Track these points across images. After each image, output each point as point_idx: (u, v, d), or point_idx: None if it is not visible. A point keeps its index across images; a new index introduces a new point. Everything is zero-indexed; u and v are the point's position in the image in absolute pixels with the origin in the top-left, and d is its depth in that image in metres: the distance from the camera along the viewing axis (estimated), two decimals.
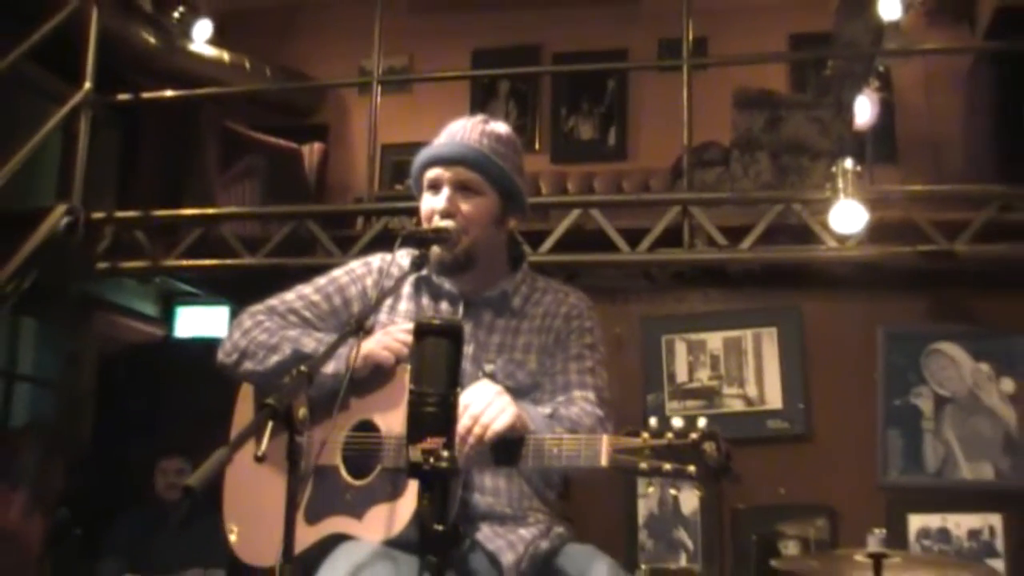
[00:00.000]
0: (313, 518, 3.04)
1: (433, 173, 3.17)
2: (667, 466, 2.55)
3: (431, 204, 3.16)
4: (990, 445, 5.67)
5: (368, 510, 2.97)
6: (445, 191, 3.14)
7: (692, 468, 2.54)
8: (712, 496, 5.72)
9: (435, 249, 3.11)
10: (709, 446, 2.53)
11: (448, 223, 3.09)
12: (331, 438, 3.05)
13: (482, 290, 3.22)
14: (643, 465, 2.58)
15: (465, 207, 3.13)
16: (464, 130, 3.20)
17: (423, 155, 3.22)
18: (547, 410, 2.98)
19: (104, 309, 7.98)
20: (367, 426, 3.05)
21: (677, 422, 2.57)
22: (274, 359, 3.14)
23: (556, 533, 3.13)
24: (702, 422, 2.56)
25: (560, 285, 3.35)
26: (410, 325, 2.93)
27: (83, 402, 7.54)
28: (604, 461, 2.64)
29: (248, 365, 3.20)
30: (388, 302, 3.24)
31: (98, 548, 6.31)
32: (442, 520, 2.40)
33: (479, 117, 3.26)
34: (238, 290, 3.56)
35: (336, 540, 2.96)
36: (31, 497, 6.28)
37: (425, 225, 3.15)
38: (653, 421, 2.59)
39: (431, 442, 2.44)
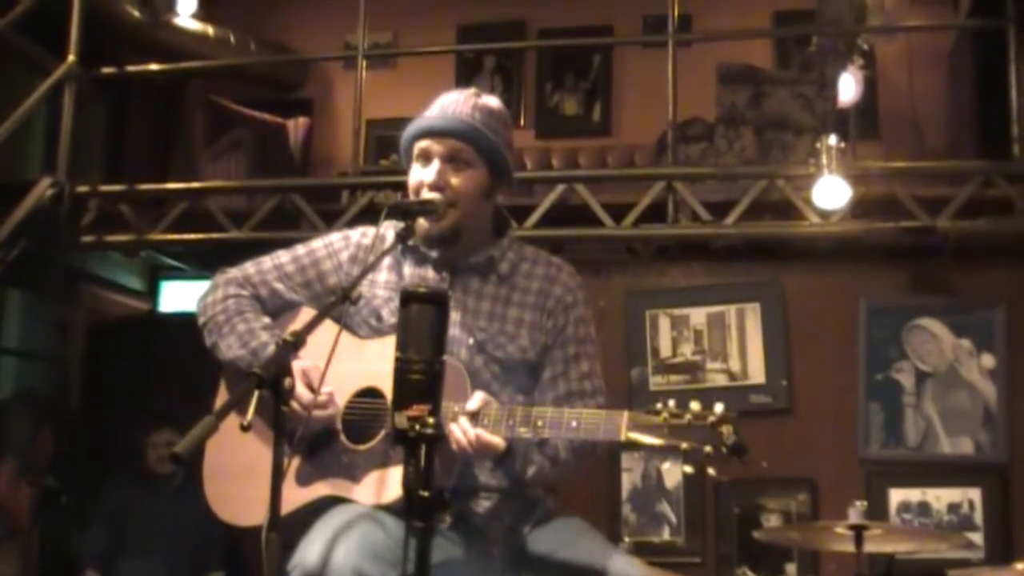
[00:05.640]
0: (305, 480, 3.06)
1: (423, 145, 3.15)
2: (684, 445, 2.60)
3: (420, 176, 3.14)
4: (970, 420, 5.71)
5: (365, 475, 2.99)
6: (435, 163, 3.12)
7: (708, 448, 2.58)
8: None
9: (422, 222, 3.10)
10: (726, 428, 2.58)
11: (435, 195, 3.09)
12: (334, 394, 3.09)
13: (467, 256, 3.22)
14: (660, 443, 2.62)
15: (455, 180, 3.11)
16: (456, 103, 3.18)
17: (414, 126, 3.20)
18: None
19: (90, 282, 7.98)
20: (372, 393, 3.08)
21: (695, 405, 2.62)
22: (228, 355, 3.24)
23: (541, 505, 3.16)
24: (719, 407, 2.62)
25: (549, 256, 3.34)
26: None
27: (70, 371, 7.54)
28: (623, 436, 2.69)
29: (207, 339, 3.30)
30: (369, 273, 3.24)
31: (86, 517, 6.33)
32: (427, 486, 2.42)
33: (471, 90, 3.24)
34: (223, 264, 3.57)
35: (331, 503, 2.99)
36: (19, 467, 6.30)
37: (413, 197, 3.15)
38: (672, 402, 2.64)
39: (417, 409, 2.46)
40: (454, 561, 2.96)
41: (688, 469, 2.64)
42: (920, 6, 8.19)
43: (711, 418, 2.60)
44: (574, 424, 2.77)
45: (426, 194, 3.11)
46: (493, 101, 3.25)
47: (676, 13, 6.42)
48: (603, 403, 3.10)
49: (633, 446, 2.72)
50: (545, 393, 3.12)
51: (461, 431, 2.82)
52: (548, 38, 9.50)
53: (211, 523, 3.24)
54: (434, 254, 3.22)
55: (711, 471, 2.65)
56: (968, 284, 5.84)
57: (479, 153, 3.15)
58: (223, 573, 6.28)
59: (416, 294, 2.58)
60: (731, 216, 5.90)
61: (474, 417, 2.84)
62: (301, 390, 3.01)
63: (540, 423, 2.80)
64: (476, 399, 2.88)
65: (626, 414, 2.71)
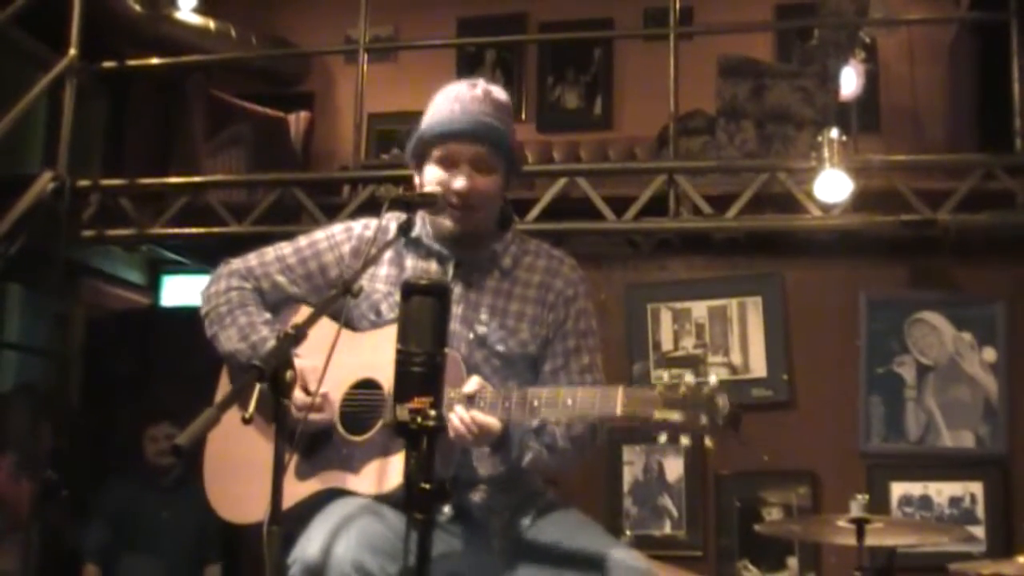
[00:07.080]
0: (305, 474, 3.06)
1: (449, 148, 3.10)
2: (679, 416, 2.59)
3: (445, 181, 3.09)
4: (971, 413, 5.71)
5: (364, 465, 2.99)
6: (464, 169, 3.08)
7: (704, 419, 2.58)
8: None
9: (445, 222, 3.11)
10: (721, 399, 2.57)
11: (437, 190, 3.06)
12: (329, 396, 3.08)
13: (471, 250, 3.20)
14: (656, 415, 2.61)
15: (481, 185, 3.09)
16: (476, 102, 3.13)
17: (439, 127, 3.12)
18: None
19: (90, 276, 7.97)
20: (369, 384, 3.07)
21: (689, 378, 2.61)
22: (228, 347, 3.24)
23: (541, 497, 3.16)
24: (713, 379, 2.61)
25: (551, 249, 3.32)
26: None
27: (70, 365, 7.53)
28: (619, 411, 2.68)
29: (208, 329, 3.30)
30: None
31: (86, 511, 6.33)
32: (429, 478, 2.42)
33: (481, 85, 3.18)
34: (224, 258, 3.57)
35: (331, 496, 2.99)
36: (19, 460, 6.29)
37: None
38: (666, 376, 2.63)
39: (418, 401, 2.46)
40: (454, 553, 2.96)
41: (685, 441, 2.63)
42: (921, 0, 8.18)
43: (706, 389, 2.59)
44: (569, 403, 2.77)
45: (454, 200, 3.09)
46: (502, 94, 3.21)
47: (677, 6, 6.41)
48: None
49: (630, 422, 2.69)
50: (546, 386, 3.11)
51: (457, 416, 2.82)
52: (549, 31, 9.48)
53: (210, 516, 3.25)
54: (437, 246, 3.20)
55: (708, 443, 2.64)
56: (969, 277, 5.83)
57: (500, 156, 3.13)
58: (221, 565, 6.29)
59: (418, 286, 2.58)
60: (732, 209, 5.89)
61: (470, 400, 2.84)
62: (297, 393, 2.99)
63: (536, 403, 2.80)
64: (472, 383, 2.88)
65: (621, 388, 2.70)
